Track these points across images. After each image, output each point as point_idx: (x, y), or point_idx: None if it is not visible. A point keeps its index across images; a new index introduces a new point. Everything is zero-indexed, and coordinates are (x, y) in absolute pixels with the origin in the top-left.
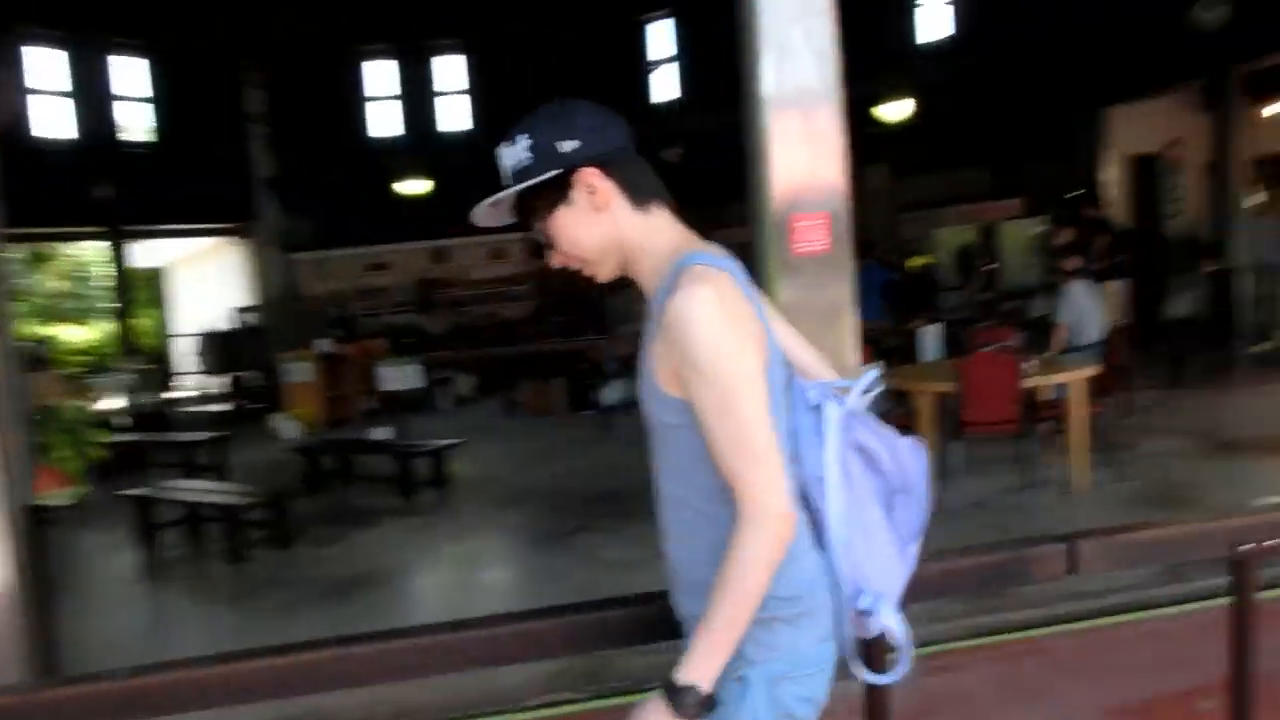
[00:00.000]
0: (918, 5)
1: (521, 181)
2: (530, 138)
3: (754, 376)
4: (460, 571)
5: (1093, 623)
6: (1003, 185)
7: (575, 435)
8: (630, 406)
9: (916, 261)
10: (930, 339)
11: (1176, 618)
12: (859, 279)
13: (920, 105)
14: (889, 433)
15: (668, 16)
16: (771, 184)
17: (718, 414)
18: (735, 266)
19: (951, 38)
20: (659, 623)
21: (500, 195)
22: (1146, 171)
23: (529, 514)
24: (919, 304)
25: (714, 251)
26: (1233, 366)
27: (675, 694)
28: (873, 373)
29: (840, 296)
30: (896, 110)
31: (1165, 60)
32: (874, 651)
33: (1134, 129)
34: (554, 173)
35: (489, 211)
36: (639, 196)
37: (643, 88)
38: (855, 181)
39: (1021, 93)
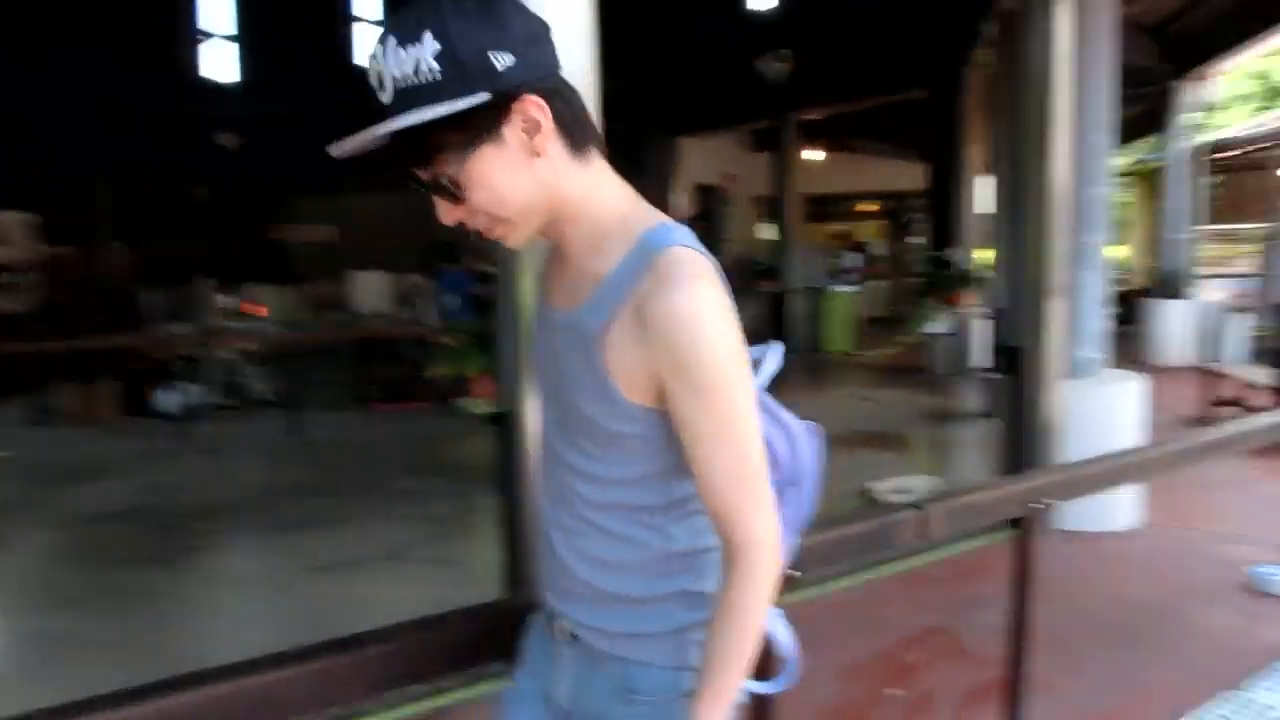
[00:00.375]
0: None
1: (428, 104)
2: (440, 41)
3: (752, 397)
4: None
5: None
6: None
7: (139, 447)
8: (198, 412)
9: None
10: None
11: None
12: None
13: None
14: (788, 417)
15: None
16: None
17: (715, 438)
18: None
19: None
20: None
21: (395, 124)
22: (708, 200)
23: (122, 537)
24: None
25: (680, 227)
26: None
27: None
28: (777, 348)
29: None
30: None
31: (732, 101)
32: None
33: (699, 161)
34: (482, 97)
35: (358, 144)
36: (579, 140)
37: (190, 60)
38: None
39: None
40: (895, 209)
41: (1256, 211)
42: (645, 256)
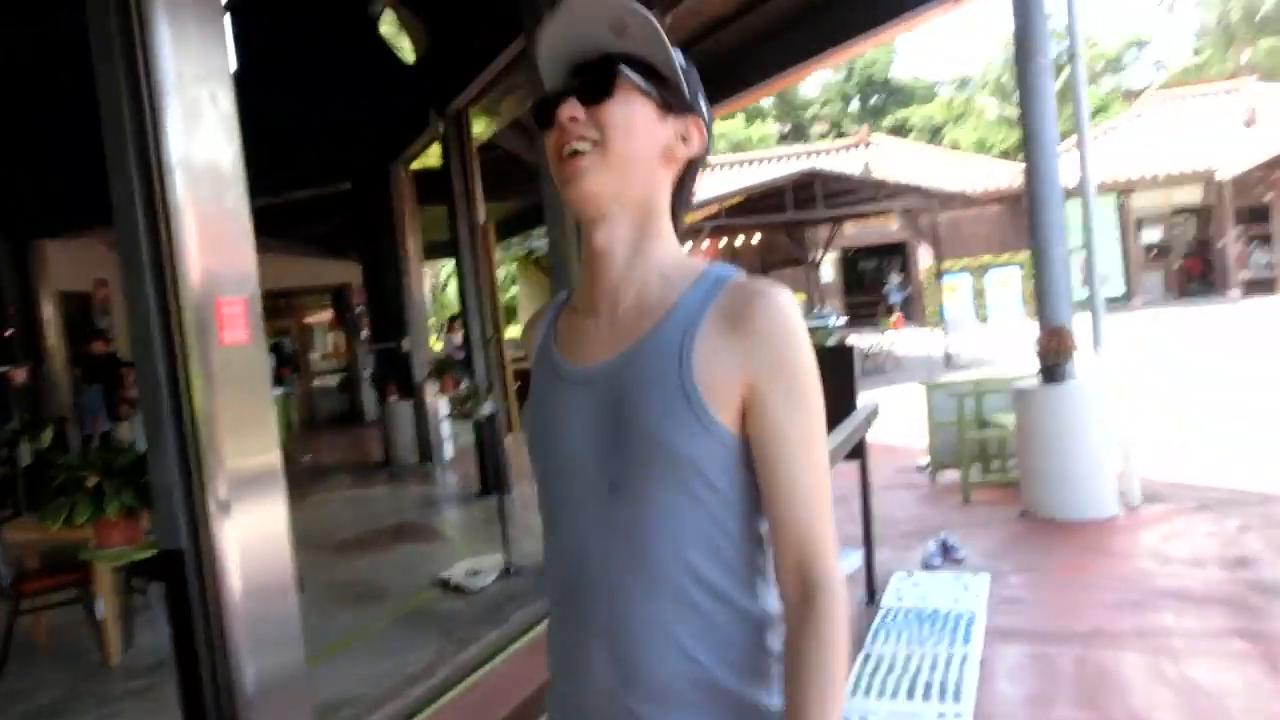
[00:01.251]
0: None
1: (666, 75)
2: (685, 62)
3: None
4: None
5: None
6: None
7: None
8: None
9: None
10: None
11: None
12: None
13: None
14: None
15: None
16: (189, 264)
17: (803, 448)
18: None
19: None
20: None
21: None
22: (81, 306)
23: None
24: None
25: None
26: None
27: None
28: None
29: (264, 394)
30: None
31: (92, 200)
32: None
33: (66, 265)
34: (683, 91)
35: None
36: (684, 196)
37: None
38: None
39: None
40: (340, 302)
41: None
42: (717, 283)
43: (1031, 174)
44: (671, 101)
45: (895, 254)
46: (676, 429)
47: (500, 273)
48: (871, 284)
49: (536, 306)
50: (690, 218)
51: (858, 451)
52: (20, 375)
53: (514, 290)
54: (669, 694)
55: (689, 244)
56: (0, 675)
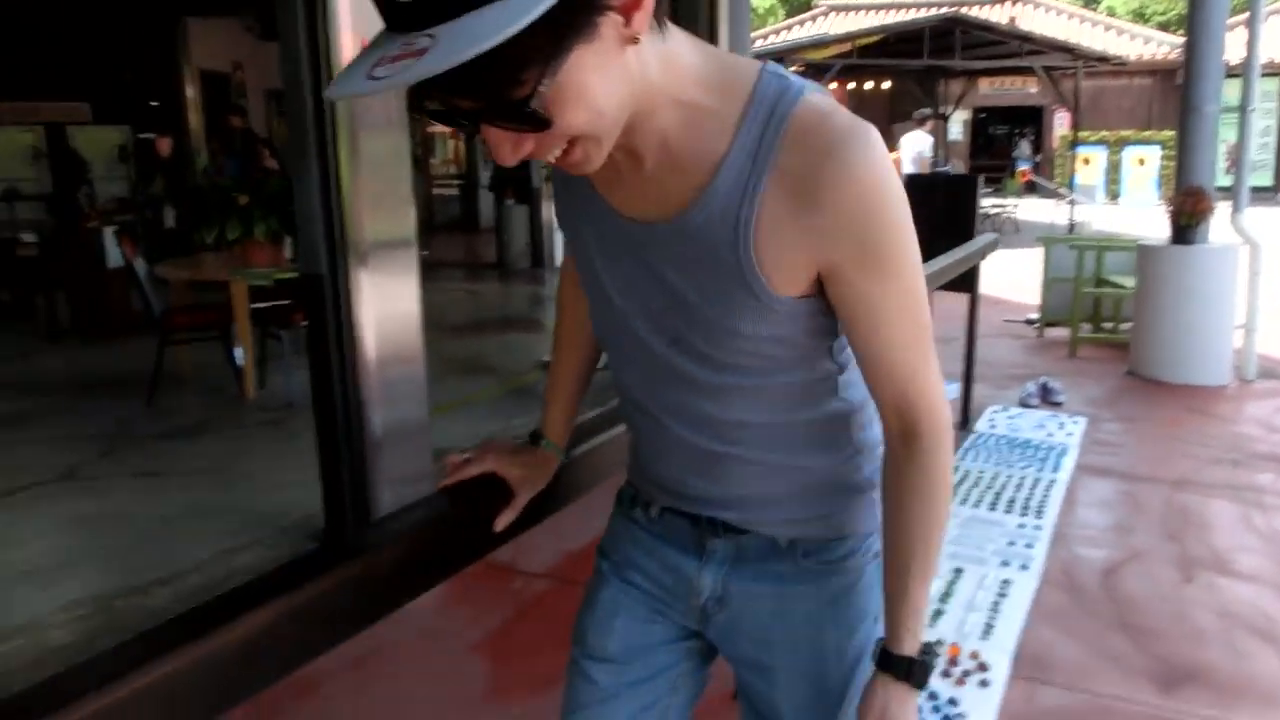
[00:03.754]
0: None
1: (515, 18)
2: None
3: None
4: None
5: None
6: (67, 86)
7: None
8: None
9: None
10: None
11: None
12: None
13: None
14: None
15: None
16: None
17: (898, 313)
18: None
19: None
20: None
21: (466, 51)
22: (219, 85)
23: None
24: None
25: (786, 70)
26: None
27: (907, 671)
28: None
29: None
30: None
31: None
32: None
33: (207, 44)
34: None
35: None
36: (661, 6)
37: None
38: None
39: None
40: None
41: None
42: (775, 123)
43: (1194, 29)
44: (571, 17)
45: (1029, 121)
46: (738, 316)
47: None
48: (1000, 150)
49: None
50: (819, 53)
51: (969, 283)
52: (164, 145)
53: None
54: (751, 500)
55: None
56: (151, 399)
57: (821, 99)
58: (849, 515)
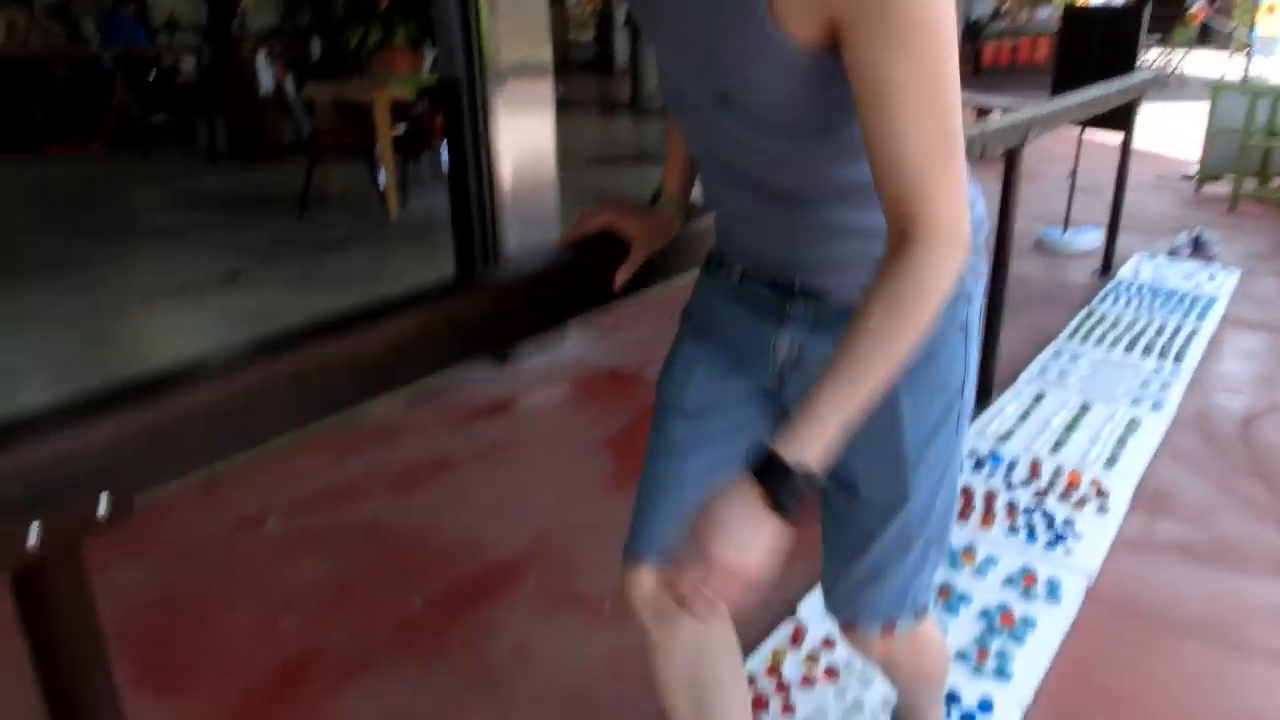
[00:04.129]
0: None
1: None
2: None
3: (955, 43)
4: None
5: None
6: None
7: None
8: None
9: None
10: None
11: None
12: None
13: None
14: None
15: None
16: None
17: (906, 89)
18: None
19: None
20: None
21: None
22: None
23: None
24: None
25: None
26: None
27: (779, 479)
28: None
29: None
30: None
31: None
32: None
33: None
34: None
35: None
36: None
37: None
38: None
39: None
40: None
41: None
42: None
43: None
44: None
45: None
46: (764, 68)
47: None
48: None
49: None
50: None
51: (1124, 120)
52: None
53: None
54: (822, 265)
55: None
56: (302, 215)
57: None
58: None
